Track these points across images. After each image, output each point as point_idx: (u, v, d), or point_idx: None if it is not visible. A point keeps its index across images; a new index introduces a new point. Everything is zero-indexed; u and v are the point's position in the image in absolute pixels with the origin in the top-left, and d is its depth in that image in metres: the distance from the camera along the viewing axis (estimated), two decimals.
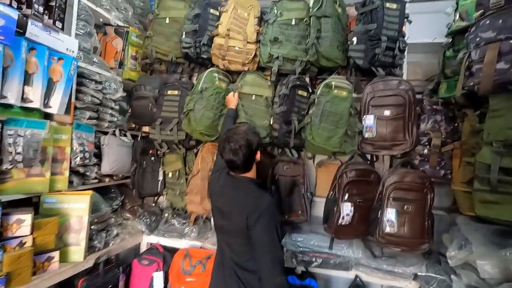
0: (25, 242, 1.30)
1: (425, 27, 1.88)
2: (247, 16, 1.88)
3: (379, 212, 1.59)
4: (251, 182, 1.36)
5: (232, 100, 1.80)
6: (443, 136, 1.60)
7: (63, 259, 1.50)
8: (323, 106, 1.69)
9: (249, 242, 1.23)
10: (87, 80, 1.72)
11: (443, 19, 1.68)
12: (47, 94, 1.43)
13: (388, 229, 1.56)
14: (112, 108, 1.93)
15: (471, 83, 1.16)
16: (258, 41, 1.87)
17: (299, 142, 1.78)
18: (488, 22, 1.14)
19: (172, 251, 1.98)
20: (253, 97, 1.85)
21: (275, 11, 1.83)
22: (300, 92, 1.79)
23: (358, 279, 1.67)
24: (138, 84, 2.03)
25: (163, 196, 2.19)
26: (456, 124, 1.58)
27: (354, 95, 1.81)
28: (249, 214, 1.22)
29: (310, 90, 1.82)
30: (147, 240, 2.11)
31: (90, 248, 1.64)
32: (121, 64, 2.07)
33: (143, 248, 2.13)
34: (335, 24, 1.74)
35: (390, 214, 1.57)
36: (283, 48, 1.81)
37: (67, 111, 1.58)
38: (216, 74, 1.86)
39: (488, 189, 1.10)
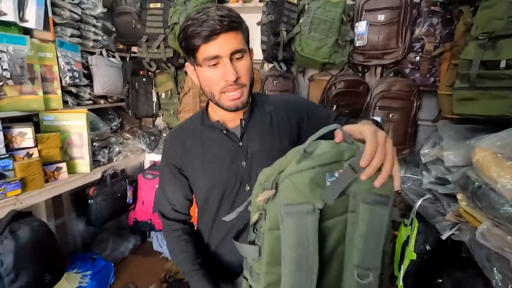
0: (32, 153, 1.42)
1: None
2: None
3: None
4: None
5: None
6: (436, 41, 1.53)
7: (71, 170, 1.65)
8: (313, 14, 1.59)
9: None
10: None
11: None
12: (20, 6, 1.37)
13: None
14: (94, 26, 1.85)
15: None
16: None
17: (288, 55, 1.73)
18: None
19: None
20: None
21: None
22: None
23: None
24: None
25: (159, 118, 2.27)
26: (452, 27, 1.49)
27: (349, 1, 1.68)
28: None
29: None
30: (149, 158, 2.26)
31: (95, 162, 1.79)
32: None
33: (147, 165, 2.30)
34: None
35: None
36: None
37: (46, 27, 1.53)
38: None
39: (467, 86, 1.10)
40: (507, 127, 0.91)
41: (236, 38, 0.70)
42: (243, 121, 0.81)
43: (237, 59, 0.72)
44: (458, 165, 1.08)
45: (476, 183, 0.89)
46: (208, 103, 0.86)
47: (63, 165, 1.56)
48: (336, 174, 0.49)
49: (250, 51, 0.78)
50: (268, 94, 0.87)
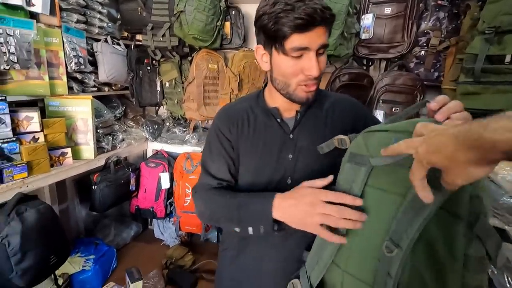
0: (38, 138, 1.43)
1: None
2: None
3: None
4: None
5: None
6: (442, 36, 1.53)
7: (76, 156, 1.67)
8: None
9: None
10: None
11: None
12: None
13: None
14: (100, 13, 1.84)
15: None
16: None
17: None
18: None
19: (175, 157, 2.16)
20: None
21: None
22: None
23: None
24: None
25: (163, 107, 2.27)
26: (458, 21, 1.49)
27: None
28: None
29: None
30: (152, 146, 2.27)
31: (99, 149, 1.81)
32: None
33: (150, 153, 2.32)
34: None
35: (378, 116, 1.63)
36: None
37: (52, 13, 1.53)
38: None
39: (471, 80, 1.11)
40: None
41: (326, 33, 0.66)
42: (298, 114, 0.78)
43: (320, 53, 0.68)
44: None
45: None
46: (265, 86, 0.83)
47: (68, 151, 1.57)
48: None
49: None
50: (329, 92, 0.88)
